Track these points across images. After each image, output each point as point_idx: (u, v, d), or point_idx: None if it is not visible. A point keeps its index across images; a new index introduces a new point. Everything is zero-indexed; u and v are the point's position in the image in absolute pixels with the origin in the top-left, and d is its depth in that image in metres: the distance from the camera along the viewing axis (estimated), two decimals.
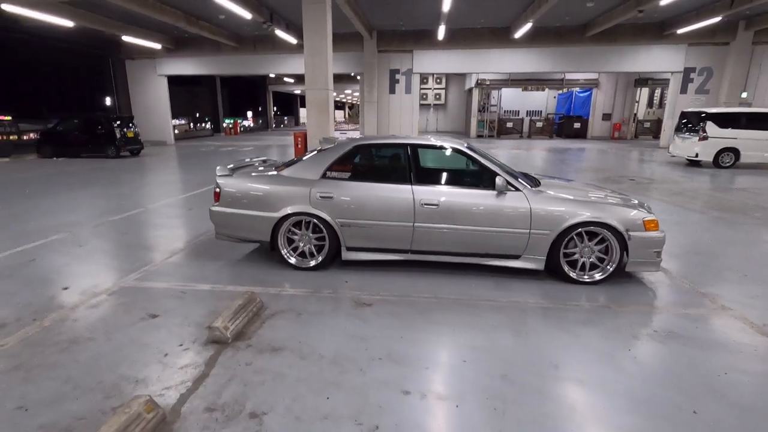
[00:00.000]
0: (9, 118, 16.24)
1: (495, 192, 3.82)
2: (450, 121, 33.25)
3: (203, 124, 27.57)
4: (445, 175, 4.24)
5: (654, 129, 26.27)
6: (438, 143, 4.16)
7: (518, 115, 29.39)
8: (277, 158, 14.70)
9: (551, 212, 3.74)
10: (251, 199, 4.13)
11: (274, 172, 4.28)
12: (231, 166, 4.44)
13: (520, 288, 3.80)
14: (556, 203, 3.77)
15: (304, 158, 4.27)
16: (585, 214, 3.69)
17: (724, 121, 12.03)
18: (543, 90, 28.85)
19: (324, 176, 4.06)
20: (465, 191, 3.90)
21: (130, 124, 15.06)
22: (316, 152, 4.31)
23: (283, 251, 4.17)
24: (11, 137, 16.08)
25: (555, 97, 30.54)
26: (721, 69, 17.72)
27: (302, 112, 47.97)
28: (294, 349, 2.78)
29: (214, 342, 2.83)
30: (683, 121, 13.25)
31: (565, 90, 29.07)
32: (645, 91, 27.52)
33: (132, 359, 2.66)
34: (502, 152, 16.72)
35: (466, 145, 4.08)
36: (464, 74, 28.90)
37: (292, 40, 17.39)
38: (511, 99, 29.09)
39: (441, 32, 16.12)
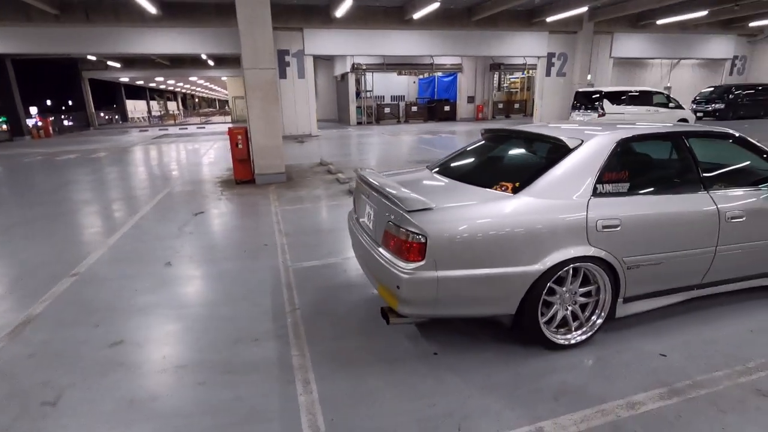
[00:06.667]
0: None
1: None
2: (320, 108, 31.37)
3: None
4: (734, 173, 3.06)
5: (505, 109, 29.52)
6: (719, 130, 2.99)
7: (384, 101, 29.46)
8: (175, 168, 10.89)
9: None
10: (486, 247, 2.28)
11: (506, 195, 2.47)
12: (408, 190, 2.45)
13: None
14: None
15: (551, 168, 2.53)
16: None
17: (613, 98, 13.88)
18: (412, 74, 29.47)
19: (595, 193, 2.49)
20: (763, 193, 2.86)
21: None
22: (568, 156, 2.57)
23: (545, 326, 2.48)
24: None
25: (415, 82, 31.62)
26: (573, 54, 20.46)
27: (129, 104, 39.22)
28: None
29: None
30: (575, 101, 14.98)
31: (426, 75, 30.27)
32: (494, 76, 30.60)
33: None
34: (409, 138, 16.13)
35: (739, 133, 3.01)
36: (332, 59, 27.50)
37: (152, 9, 13.33)
38: (376, 84, 28.84)
39: (344, 8, 14.35)
